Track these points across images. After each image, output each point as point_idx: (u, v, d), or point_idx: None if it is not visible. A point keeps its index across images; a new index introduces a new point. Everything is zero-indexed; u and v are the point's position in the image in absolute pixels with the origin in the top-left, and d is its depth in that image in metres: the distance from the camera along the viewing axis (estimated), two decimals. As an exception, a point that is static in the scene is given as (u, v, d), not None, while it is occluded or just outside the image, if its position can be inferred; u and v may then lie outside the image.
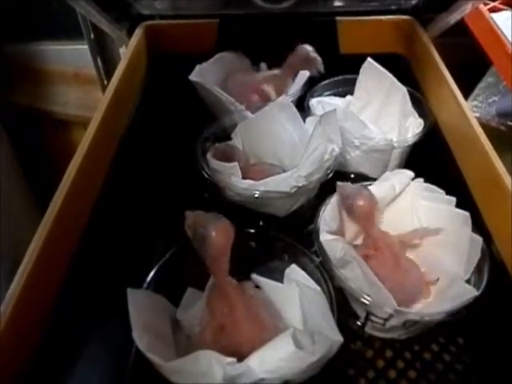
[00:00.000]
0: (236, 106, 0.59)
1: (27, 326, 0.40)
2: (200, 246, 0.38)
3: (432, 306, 0.41)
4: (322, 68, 0.63)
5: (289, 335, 0.33)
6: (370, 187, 0.48)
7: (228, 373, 0.32)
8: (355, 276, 0.40)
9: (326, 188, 0.51)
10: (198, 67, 0.62)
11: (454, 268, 0.42)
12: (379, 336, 0.43)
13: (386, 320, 0.39)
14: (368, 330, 0.43)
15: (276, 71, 0.66)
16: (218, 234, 0.37)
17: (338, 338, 0.34)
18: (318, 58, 0.63)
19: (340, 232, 0.46)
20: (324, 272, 0.41)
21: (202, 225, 0.38)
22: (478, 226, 0.44)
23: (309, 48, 0.63)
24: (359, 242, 0.48)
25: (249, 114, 0.57)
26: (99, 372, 0.40)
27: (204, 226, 0.38)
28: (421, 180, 0.49)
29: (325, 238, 0.42)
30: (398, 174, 0.49)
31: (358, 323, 0.43)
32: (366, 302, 0.38)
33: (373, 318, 0.40)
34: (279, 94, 0.62)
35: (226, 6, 0.71)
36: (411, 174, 0.49)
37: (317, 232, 0.43)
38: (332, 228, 0.44)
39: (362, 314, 0.42)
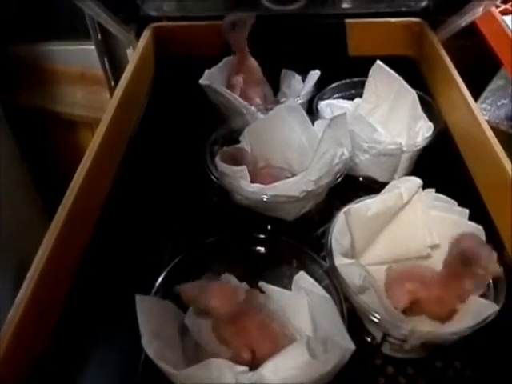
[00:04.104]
0: (248, 108, 0.58)
1: (36, 331, 0.40)
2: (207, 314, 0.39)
3: (450, 324, 0.40)
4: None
5: (303, 344, 0.33)
6: (376, 197, 0.47)
7: (240, 381, 0.32)
8: (373, 301, 0.39)
9: (334, 192, 0.51)
10: (206, 72, 0.62)
11: None
12: (398, 356, 0.41)
13: (404, 341, 0.38)
14: (385, 350, 0.42)
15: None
16: (217, 301, 0.38)
17: (350, 346, 0.33)
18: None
19: (351, 248, 0.45)
20: (333, 278, 0.40)
21: (201, 295, 0.39)
22: (490, 231, 0.44)
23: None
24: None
25: (261, 116, 0.57)
26: (108, 379, 0.40)
27: (204, 296, 0.38)
28: (432, 190, 0.47)
29: (340, 262, 0.41)
30: (406, 182, 0.47)
31: (370, 341, 0.42)
32: (378, 322, 0.38)
33: (390, 339, 0.40)
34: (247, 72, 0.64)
35: (234, 8, 0.71)
36: (419, 181, 0.47)
37: (330, 253, 0.42)
38: (344, 247, 0.43)
39: (379, 336, 0.41)
